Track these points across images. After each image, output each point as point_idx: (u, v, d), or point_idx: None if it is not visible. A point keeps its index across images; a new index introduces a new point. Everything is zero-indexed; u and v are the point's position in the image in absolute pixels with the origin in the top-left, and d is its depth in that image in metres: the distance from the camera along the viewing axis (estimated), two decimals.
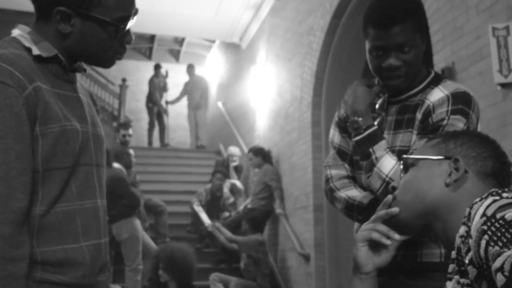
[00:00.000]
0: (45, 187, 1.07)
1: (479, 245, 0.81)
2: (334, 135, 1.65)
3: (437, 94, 1.45)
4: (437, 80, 1.51)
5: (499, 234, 0.78)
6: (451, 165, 1.07)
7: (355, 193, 1.56)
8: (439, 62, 3.29)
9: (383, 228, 1.11)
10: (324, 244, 5.17)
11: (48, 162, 1.07)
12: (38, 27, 1.15)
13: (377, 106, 1.58)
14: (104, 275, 1.21)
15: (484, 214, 0.83)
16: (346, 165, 1.60)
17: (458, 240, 0.90)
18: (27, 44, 1.11)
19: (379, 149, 1.45)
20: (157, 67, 10.17)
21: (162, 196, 6.81)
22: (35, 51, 1.11)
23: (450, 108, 1.41)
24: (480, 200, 0.89)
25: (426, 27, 1.53)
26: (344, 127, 1.62)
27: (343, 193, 1.57)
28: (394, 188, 1.15)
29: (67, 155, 1.10)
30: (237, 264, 5.72)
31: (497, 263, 0.75)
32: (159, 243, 5.43)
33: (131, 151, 5.47)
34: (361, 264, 1.13)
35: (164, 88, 10.01)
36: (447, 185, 1.06)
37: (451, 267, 0.95)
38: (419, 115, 1.46)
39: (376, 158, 1.44)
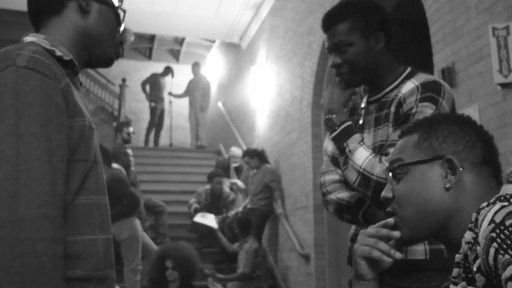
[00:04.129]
0: (69, 177, 1.10)
1: (487, 253, 0.78)
2: (328, 144, 1.70)
3: (408, 86, 1.51)
4: (411, 75, 1.56)
5: (508, 242, 0.76)
6: (445, 165, 1.00)
7: (344, 194, 1.61)
8: (439, 62, 3.29)
9: (384, 246, 1.05)
10: (324, 244, 5.17)
11: (74, 153, 1.11)
12: (52, 29, 1.21)
13: (362, 105, 1.65)
14: (113, 271, 1.22)
15: (492, 221, 0.80)
16: (339, 171, 1.64)
17: (465, 247, 0.86)
18: (49, 47, 1.15)
19: (353, 142, 1.50)
20: (168, 69, 10.13)
21: (162, 196, 6.81)
22: (58, 53, 1.15)
23: (419, 96, 1.46)
24: (487, 205, 0.86)
25: (379, 23, 1.58)
26: None
27: (333, 196, 1.63)
28: (386, 199, 1.08)
29: (88, 149, 1.14)
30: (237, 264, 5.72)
31: (507, 272, 0.73)
32: (159, 243, 5.42)
33: (129, 151, 5.45)
34: (363, 274, 1.09)
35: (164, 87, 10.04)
36: (447, 189, 0.99)
37: (455, 271, 0.92)
38: (392, 108, 1.52)
39: (350, 150, 1.49)
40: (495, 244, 0.77)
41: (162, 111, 10.00)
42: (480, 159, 1.00)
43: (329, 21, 1.57)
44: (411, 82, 1.52)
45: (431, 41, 3.40)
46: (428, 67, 3.82)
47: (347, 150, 1.49)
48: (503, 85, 2.74)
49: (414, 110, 1.44)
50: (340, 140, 1.52)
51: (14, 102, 1.02)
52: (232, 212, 6.50)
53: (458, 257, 0.91)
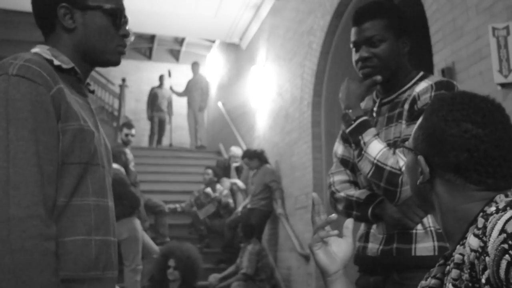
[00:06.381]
0: (63, 179, 1.14)
1: (498, 265, 0.74)
2: (338, 147, 1.77)
3: (422, 85, 1.57)
4: (424, 77, 1.63)
5: None
6: (417, 161, 0.98)
7: (354, 192, 1.66)
8: (439, 62, 3.29)
9: (322, 224, 1.18)
10: None
11: (67, 156, 1.15)
12: (53, 44, 1.28)
13: (374, 109, 1.70)
14: (111, 273, 1.23)
15: (503, 230, 0.75)
16: (348, 171, 1.72)
17: (471, 255, 0.82)
18: (48, 57, 1.22)
19: (368, 135, 1.53)
20: (161, 78, 10.29)
21: (162, 196, 6.81)
22: (56, 62, 1.22)
23: (433, 93, 1.51)
24: (496, 211, 0.81)
25: (407, 28, 1.64)
26: (347, 138, 1.70)
27: (343, 193, 1.68)
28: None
29: (83, 152, 1.18)
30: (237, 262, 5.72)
31: None
32: (159, 243, 5.43)
33: (127, 150, 5.45)
34: (326, 266, 1.17)
35: (168, 97, 10.23)
36: (419, 184, 0.98)
37: (455, 272, 0.86)
38: (406, 106, 1.57)
39: (365, 143, 1.52)
40: (507, 256, 0.73)
41: (162, 121, 10.05)
42: (451, 167, 0.93)
43: (364, 15, 1.60)
44: (424, 82, 1.57)
45: (431, 41, 3.40)
46: (428, 67, 3.82)
47: (362, 142, 1.53)
48: (503, 85, 2.74)
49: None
50: (355, 134, 1.56)
51: (4, 109, 1.07)
52: (232, 181, 6.81)
53: (458, 258, 0.87)
